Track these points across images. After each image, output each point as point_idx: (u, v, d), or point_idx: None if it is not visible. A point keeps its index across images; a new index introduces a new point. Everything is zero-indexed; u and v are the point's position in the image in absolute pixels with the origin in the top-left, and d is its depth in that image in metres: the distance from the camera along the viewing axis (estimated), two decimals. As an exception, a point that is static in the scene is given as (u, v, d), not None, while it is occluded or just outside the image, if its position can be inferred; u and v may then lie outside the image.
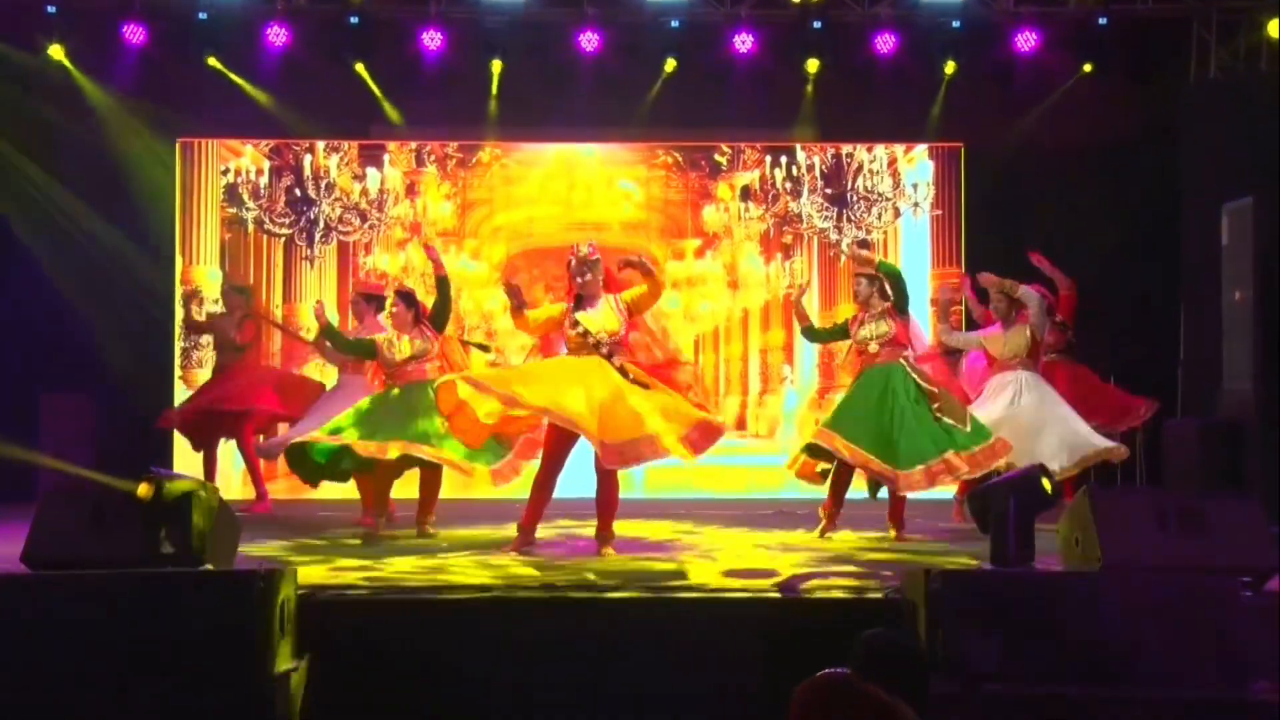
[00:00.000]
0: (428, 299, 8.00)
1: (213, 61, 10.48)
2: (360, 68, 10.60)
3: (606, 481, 6.84)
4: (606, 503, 6.87)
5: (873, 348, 7.49)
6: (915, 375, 7.42)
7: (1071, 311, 8.72)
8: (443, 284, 7.84)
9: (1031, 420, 7.73)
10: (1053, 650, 4.62)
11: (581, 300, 6.92)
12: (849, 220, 11.29)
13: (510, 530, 7.15)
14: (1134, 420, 8.85)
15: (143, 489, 5.07)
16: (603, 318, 6.86)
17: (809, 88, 10.82)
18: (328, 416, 7.89)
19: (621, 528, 7.16)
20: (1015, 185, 10.86)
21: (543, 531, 7.21)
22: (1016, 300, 7.95)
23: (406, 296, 7.84)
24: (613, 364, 6.78)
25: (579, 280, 6.91)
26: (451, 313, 7.98)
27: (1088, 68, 10.62)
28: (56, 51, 10.31)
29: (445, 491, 7.99)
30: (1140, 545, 5.22)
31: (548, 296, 9.79)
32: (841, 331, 7.81)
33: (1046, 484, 5.39)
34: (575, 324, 6.86)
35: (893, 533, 7.45)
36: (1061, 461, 7.53)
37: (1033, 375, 7.97)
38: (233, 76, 10.61)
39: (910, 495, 7.41)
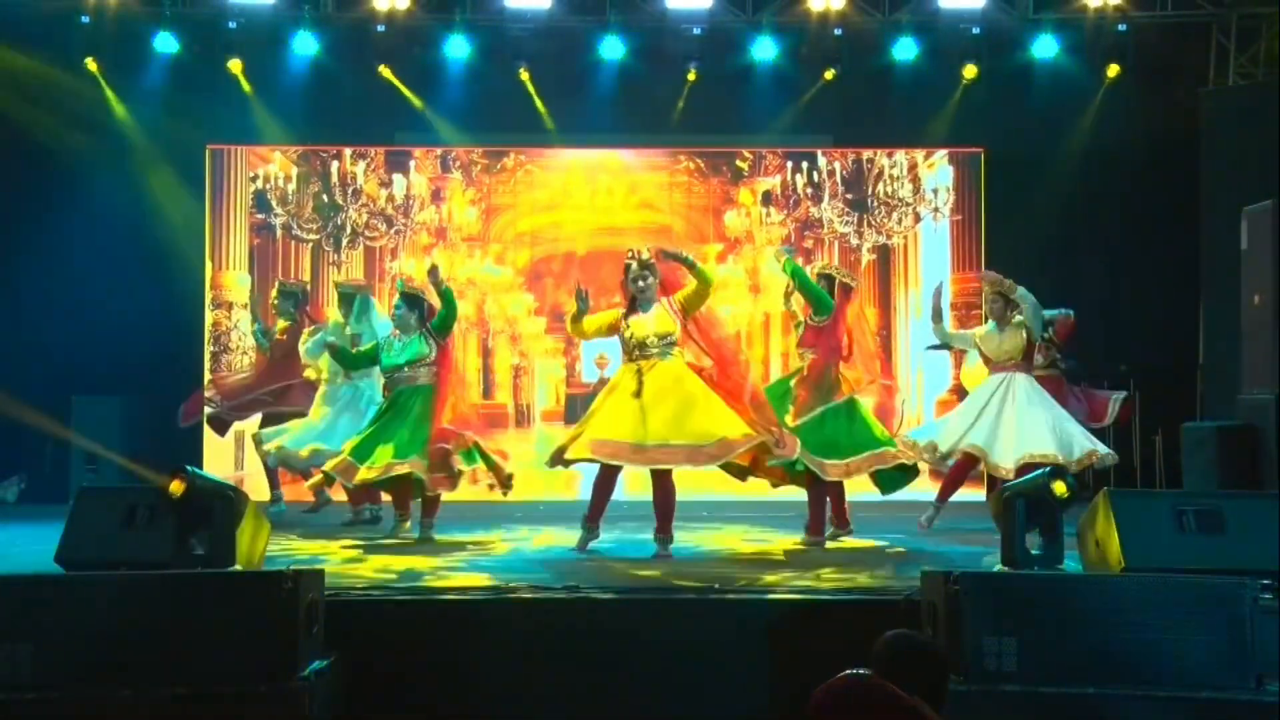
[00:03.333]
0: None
1: (235, 69, 10.54)
2: (385, 70, 10.66)
3: (661, 483, 6.79)
4: (663, 504, 6.81)
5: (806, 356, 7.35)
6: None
7: (1066, 339, 8.91)
8: (446, 295, 7.62)
9: (1023, 414, 7.74)
10: (1071, 651, 4.61)
11: (636, 304, 6.92)
12: (869, 225, 11.28)
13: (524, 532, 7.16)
14: (1102, 415, 9.02)
15: (174, 485, 5.10)
16: (655, 320, 6.84)
17: (830, 94, 10.82)
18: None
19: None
20: (1035, 190, 10.83)
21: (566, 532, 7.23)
22: (1011, 301, 7.92)
23: (410, 298, 7.72)
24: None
25: (636, 285, 6.90)
26: (455, 320, 7.75)
27: (1108, 73, 10.59)
28: (90, 61, 10.40)
29: (461, 495, 7.94)
30: (1160, 547, 5.21)
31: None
32: None
33: (1061, 487, 5.37)
34: (627, 328, 6.87)
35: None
36: (1051, 448, 7.53)
37: (1026, 376, 7.97)
38: (249, 86, 10.67)
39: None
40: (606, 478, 6.83)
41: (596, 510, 6.86)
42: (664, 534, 6.80)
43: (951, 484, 8.02)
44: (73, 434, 9.96)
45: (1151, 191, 10.67)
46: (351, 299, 8.58)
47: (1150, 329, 10.68)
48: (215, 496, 5.14)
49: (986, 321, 8.12)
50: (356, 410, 8.36)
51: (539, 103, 10.80)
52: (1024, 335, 7.98)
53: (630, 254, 7.03)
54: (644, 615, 5.38)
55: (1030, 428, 7.69)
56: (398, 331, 7.66)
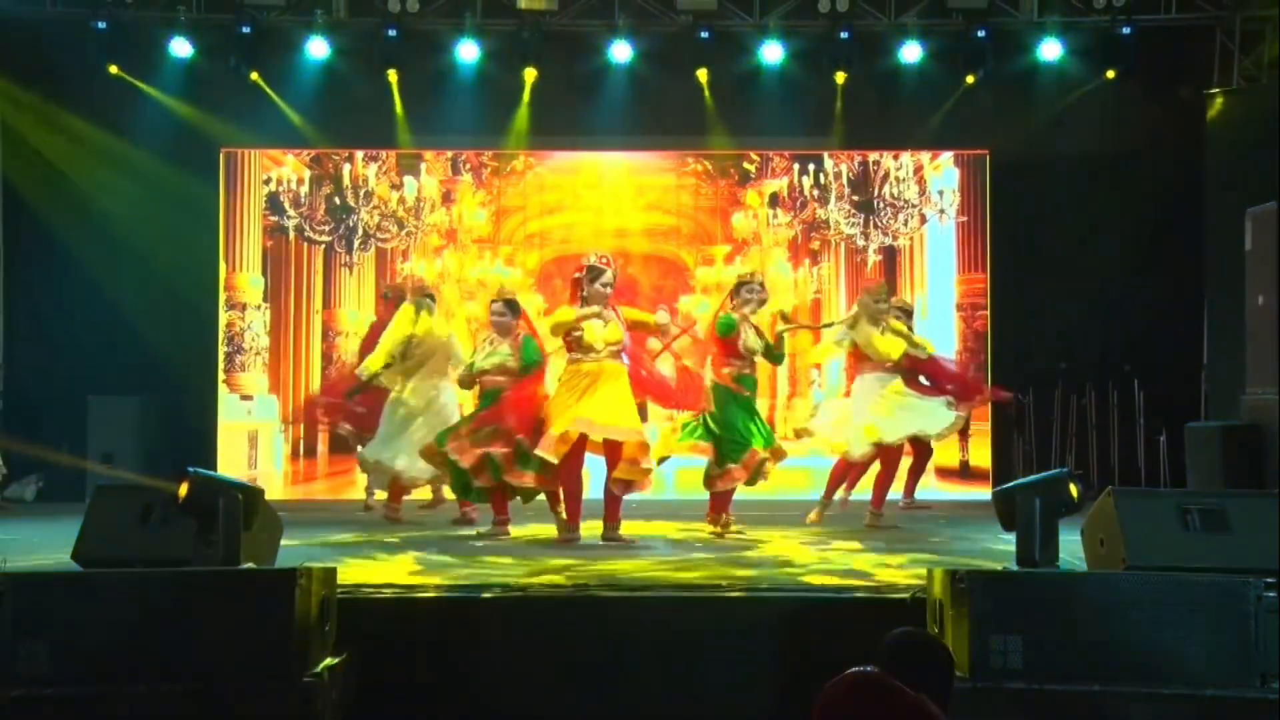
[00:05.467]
0: (466, 305, 8.05)
1: (255, 78, 10.57)
2: (392, 78, 10.65)
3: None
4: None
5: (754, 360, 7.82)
6: None
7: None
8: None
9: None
10: (1077, 649, 4.60)
11: (586, 305, 7.06)
12: (875, 227, 11.26)
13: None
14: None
15: (181, 490, 5.10)
16: (610, 328, 7.06)
17: (836, 96, 10.81)
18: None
19: (654, 529, 7.21)
20: (1040, 191, 10.82)
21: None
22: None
23: (513, 305, 7.85)
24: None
25: (596, 287, 7.02)
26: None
27: (1111, 75, 10.56)
28: (112, 67, 10.41)
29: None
30: (1164, 546, 5.19)
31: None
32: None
33: (1074, 488, 5.35)
34: (581, 330, 7.11)
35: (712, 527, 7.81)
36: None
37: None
38: (270, 93, 10.69)
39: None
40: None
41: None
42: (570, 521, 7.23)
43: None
44: (90, 463, 9.95)
45: (1156, 193, 10.62)
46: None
47: (1154, 329, 10.64)
48: (221, 495, 5.13)
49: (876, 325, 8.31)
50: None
51: (523, 99, 10.75)
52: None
53: (602, 258, 7.19)
54: (650, 614, 5.38)
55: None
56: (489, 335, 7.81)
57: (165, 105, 10.70)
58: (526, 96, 10.76)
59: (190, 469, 5.16)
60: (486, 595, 5.53)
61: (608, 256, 7.45)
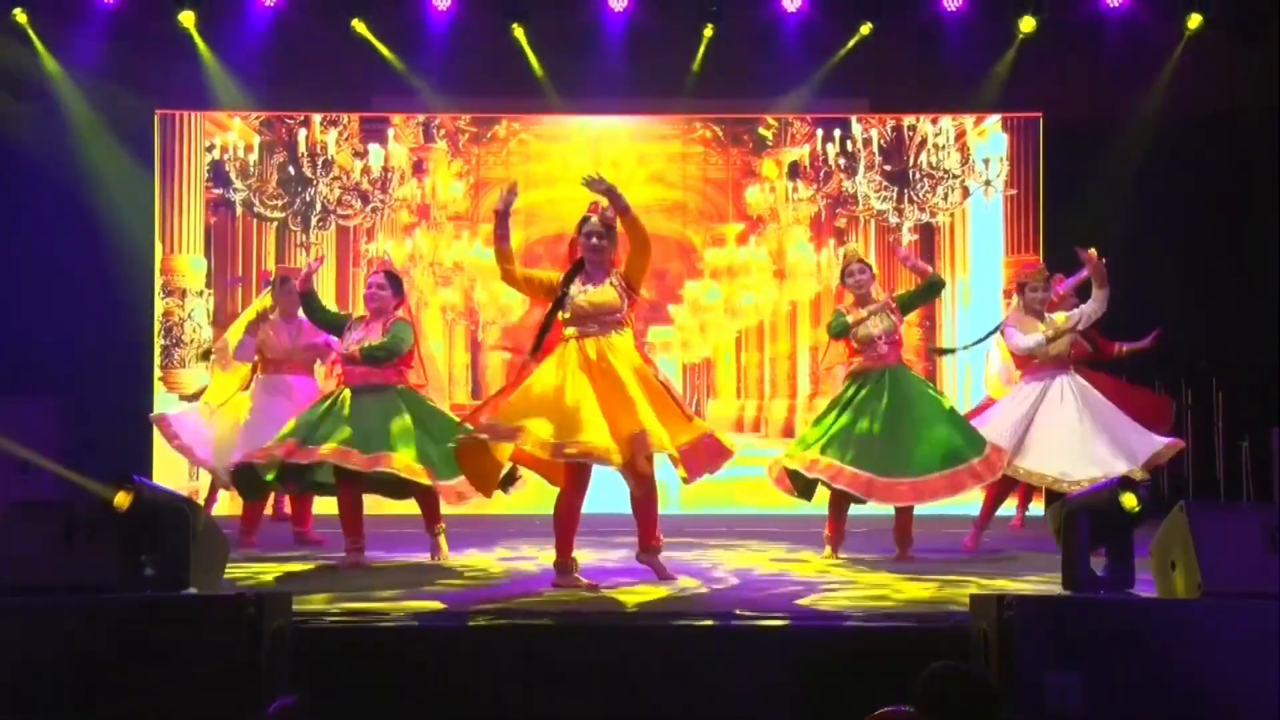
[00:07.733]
0: (441, 292, 7.99)
1: (187, 23, 10.52)
2: (359, 24, 10.65)
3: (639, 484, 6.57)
4: (645, 508, 6.63)
5: (882, 347, 7.61)
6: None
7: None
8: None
9: (1082, 425, 7.86)
10: (1145, 688, 4.61)
11: (584, 267, 6.74)
12: (911, 201, 11.28)
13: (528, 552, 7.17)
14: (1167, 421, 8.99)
15: (120, 497, 5.09)
16: (602, 292, 6.61)
17: (866, 51, 10.80)
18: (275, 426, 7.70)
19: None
20: (1102, 160, 10.81)
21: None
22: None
23: (395, 279, 7.63)
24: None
25: (591, 243, 6.68)
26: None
27: (1190, 25, 10.54)
28: (19, 15, 10.39)
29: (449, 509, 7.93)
30: (1246, 569, 5.19)
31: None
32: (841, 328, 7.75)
33: (1130, 500, 5.35)
34: (576, 294, 6.58)
35: (897, 551, 7.62)
36: (1122, 466, 7.54)
37: (1073, 376, 8.11)
38: (203, 43, 10.66)
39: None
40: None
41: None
42: (651, 543, 6.63)
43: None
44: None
45: (1240, 162, 10.61)
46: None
47: (1234, 320, 10.64)
48: (167, 510, 5.13)
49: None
50: None
51: (534, 62, 10.77)
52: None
53: (593, 207, 6.84)
54: (653, 645, 5.38)
55: (1097, 443, 7.84)
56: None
57: (88, 59, 10.67)
58: (536, 64, 10.77)
59: (134, 475, 5.15)
60: (464, 624, 5.53)
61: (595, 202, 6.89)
